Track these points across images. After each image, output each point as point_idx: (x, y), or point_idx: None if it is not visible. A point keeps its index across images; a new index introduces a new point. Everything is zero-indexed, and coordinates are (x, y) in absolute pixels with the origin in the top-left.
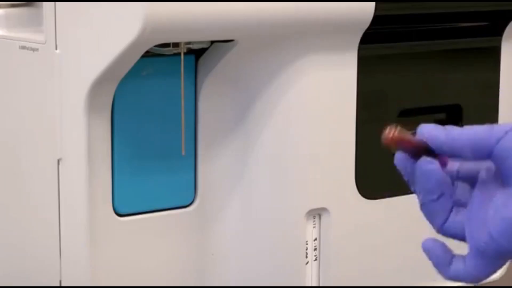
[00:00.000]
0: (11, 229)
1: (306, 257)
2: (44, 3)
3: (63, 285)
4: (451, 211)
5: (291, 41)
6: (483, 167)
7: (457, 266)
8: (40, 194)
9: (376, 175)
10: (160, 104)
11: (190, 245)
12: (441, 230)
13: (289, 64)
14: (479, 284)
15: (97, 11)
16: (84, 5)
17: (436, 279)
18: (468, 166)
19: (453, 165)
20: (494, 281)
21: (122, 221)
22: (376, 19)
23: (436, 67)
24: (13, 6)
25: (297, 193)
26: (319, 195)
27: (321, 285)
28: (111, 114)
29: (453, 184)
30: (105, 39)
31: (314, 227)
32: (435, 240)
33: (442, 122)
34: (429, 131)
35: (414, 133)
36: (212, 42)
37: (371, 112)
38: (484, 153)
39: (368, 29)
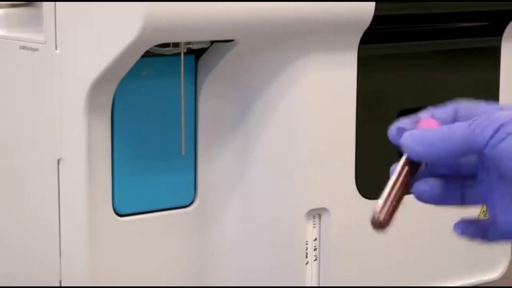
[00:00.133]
0: (11, 229)
1: (306, 257)
2: (44, 3)
3: (63, 285)
4: (463, 190)
5: (291, 41)
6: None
7: (493, 234)
8: (40, 194)
9: (376, 175)
10: (160, 104)
11: (190, 245)
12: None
13: (289, 64)
14: (479, 284)
15: (97, 11)
16: (84, 5)
17: (436, 279)
18: None
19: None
20: (494, 281)
21: (122, 221)
22: (376, 19)
23: (436, 67)
24: (13, 6)
25: (297, 193)
26: (319, 195)
27: (321, 285)
28: (111, 114)
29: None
30: (105, 39)
31: (314, 227)
32: (463, 221)
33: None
34: (412, 152)
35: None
36: (212, 42)
37: (371, 112)
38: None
39: (368, 29)
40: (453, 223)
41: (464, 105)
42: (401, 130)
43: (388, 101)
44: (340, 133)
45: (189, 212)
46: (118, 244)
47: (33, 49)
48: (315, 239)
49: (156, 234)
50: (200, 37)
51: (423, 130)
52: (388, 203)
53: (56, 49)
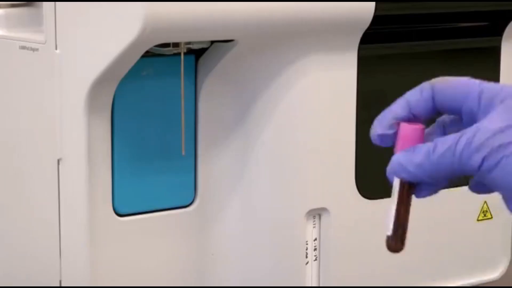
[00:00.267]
0: (11, 229)
1: (306, 257)
2: (44, 3)
3: (63, 285)
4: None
5: (291, 41)
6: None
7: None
8: (40, 194)
9: (376, 175)
10: (160, 104)
11: (190, 245)
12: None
13: (289, 64)
14: (479, 284)
15: (97, 11)
16: (84, 5)
17: (436, 279)
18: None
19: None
20: (494, 281)
21: (122, 221)
22: (376, 19)
23: (436, 67)
24: (13, 6)
25: (297, 193)
26: (319, 195)
27: (321, 285)
28: (111, 114)
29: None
30: (105, 39)
31: (314, 227)
32: (477, 184)
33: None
34: (404, 179)
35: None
36: (212, 42)
37: (371, 112)
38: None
39: (368, 29)
40: (469, 185)
41: (441, 89)
42: (384, 137)
43: (388, 101)
44: (340, 133)
45: (189, 212)
46: (118, 244)
47: (33, 49)
48: (315, 239)
49: (156, 234)
50: (200, 37)
51: (409, 154)
52: (398, 229)
53: (56, 49)
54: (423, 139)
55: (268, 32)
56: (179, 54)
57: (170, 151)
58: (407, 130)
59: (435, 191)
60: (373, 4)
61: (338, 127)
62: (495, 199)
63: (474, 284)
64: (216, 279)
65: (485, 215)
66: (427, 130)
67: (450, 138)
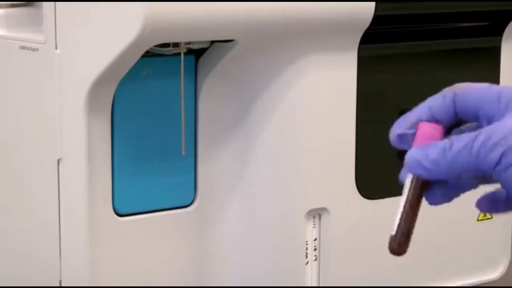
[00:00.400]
0: (11, 229)
1: (306, 257)
2: (44, 3)
3: (63, 285)
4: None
5: (291, 41)
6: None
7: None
8: (40, 194)
9: (376, 175)
10: (160, 104)
11: (190, 245)
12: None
13: (289, 64)
14: (479, 284)
15: (97, 11)
16: (84, 5)
17: (436, 279)
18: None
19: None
20: (494, 281)
21: (122, 221)
22: (376, 19)
23: (436, 67)
24: (13, 6)
25: (297, 193)
26: (319, 195)
27: (321, 285)
28: (111, 114)
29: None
30: (105, 39)
31: (314, 227)
32: (484, 197)
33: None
34: (419, 175)
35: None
36: (212, 42)
37: (371, 112)
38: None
39: (368, 29)
40: (475, 201)
41: (462, 94)
42: (403, 137)
43: (388, 101)
44: (340, 133)
45: (189, 212)
46: (118, 244)
47: (33, 49)
48: (315, 239)
49: (156, 234)
50: (200, 37)
51: (425, 150)
52: (403, 231)
53: (56, 49)
54: (441, 139)
55: (268, 32)
56: (179, 54)
57: (170, 151)
58: (426, 128)
59: (448, 198)
60: (373, 4)
61: (338, 127)
62: None
63: (474, 284)
64: (216, 279)
65: (485, 215)
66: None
67: (467, 136)
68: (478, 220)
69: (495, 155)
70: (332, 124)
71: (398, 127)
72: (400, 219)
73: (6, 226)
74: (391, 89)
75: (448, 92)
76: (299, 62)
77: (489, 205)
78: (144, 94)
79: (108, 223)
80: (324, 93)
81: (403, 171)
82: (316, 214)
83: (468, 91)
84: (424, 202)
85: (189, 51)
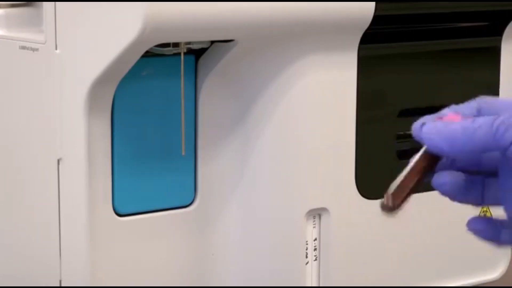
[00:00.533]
0: (11, 229)
1: (306, 257)
2: (44, 3)
3: (63, 285)
4: (483, 188)
5: (291, 41)
6: None
7: (506, 236)
8: (40, 194)
9: (376, 175)
10: (160, 104)
11: (190, 245)
12: (481, 204)
13: (289, 64)
14: (479, 284)
15: (97, 11)
16: (84, 5)
17: (435, 279)
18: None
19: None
20: (494, 281)
21: (122, 221)
22: (376, 19)
23: (436, 67)
24: (13, 6)
25: (297, 193)
26: (319, 195)
27: (321, 285)
28: (111, 114)
29: None
30: (105, 39)
31: (314, 227)
32: (480, 219)
33: None
34: (434, 146)
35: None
36: (212, 42)
37: (371, 112)
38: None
39: (368, 29)
40: (467, 220)
41: (487, 102)
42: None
43: (388, 101)
44: (340, 133)
45: (189, 212)
46: (118, 244)
47: (33, 49)
48: (315, 239)
49: (156, 234)
50: (200, 37)
51: (446, 123)
52: (401, 189)
53: (56, 49)
54: None
55: (268, 32)
56: (179, 54)
57: (170, 151)
58: (449, 116)
59: (453, 184)
60: (373, 4)
61: (338, 127)
62: None
63: (474, 284)
64: (216, 279)
65: (485, 215)
66: None
67: (488, 117)
68: None
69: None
70: (332, 124)
71: (423, 119)
72: (401, 181)
73: (6, 226)
74: (391, 89)
75: (473, 101)
76: (299, 62)
77: (478, 226)
78: (144, 94)
79: (108, 223)
80: (324, 93)
81: (422, 133)
82: (316, 214)
83: (493, 100)
84: (421, 200)
85: (189, 51)
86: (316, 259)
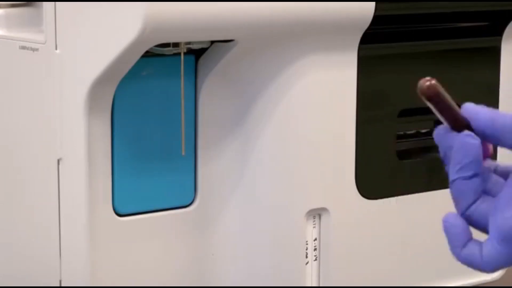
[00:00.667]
0: (11, 229)
1: (306, 257)
2: (44, 3)
3: (63, 285)
4: (479, 196)
5: (291, 41)
6: None
7: (471, 250)
8: (40, 194)
9: (376, 175)
10: (160, 104)
11: (190, 245)
12: (465, 213)
13: (289, 64)
14: (479, 284)
15: (97, 11)
16: (84, 5)
17: (435, 279)
18: (507, 165)
19: (491, 164)
20: (494, 281)
21: (122, 221)
22: (376, 19)
23: (436, 67)
24: (13, 6)
25: (297, 193)
26: (319, 195)
27: (321, 285)
28: (111, 114)
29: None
30: (105, 39)
31: (314, 227)
32: (457, 217)
33: (442, 123)
34: (475, 111)
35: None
36: (212, 42)
37: (371, 112)
38: None
39: (368, 29)
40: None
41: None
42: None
43: (388, 101)
44: (340, 133)
45: (189, 212)
46: (118, 244)
47: (33, 49)
48: (315, 239)
49: (156, 234)
50: (200, 37)
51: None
52: (443, 96)
53: (56, 49)
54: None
55: (268, 32)
56: (179, 54)
57: (170, 151)
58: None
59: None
60: (373, 4)
61: (338, 127)
62: None
63: (474, 284)
64: (216, 279)
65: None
66: None
67: None
68: None
69: None
70: (332, 124)
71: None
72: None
73: (6, 226)
74: (391, 89)
75: None
76: (299, 62)
77: (453, 223)
78: (144, 94)
79: (108, 223)
80: (324, 93)
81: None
82: (316, 214)
83: None
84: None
85: (189, 51)
86: (316, 259)
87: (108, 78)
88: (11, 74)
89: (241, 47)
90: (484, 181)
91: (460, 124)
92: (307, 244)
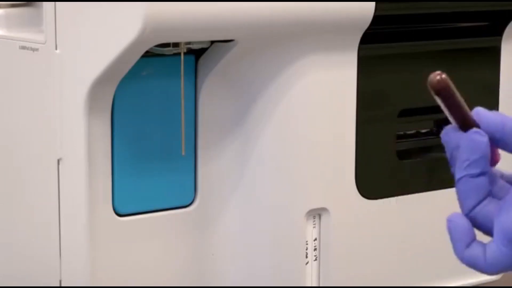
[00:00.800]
0: (11, 229)
1: (306, 257)
2: (44, 3)
3: (63, 285)
4: (486, 197)
5: (291, 41)
6: None
7: (474, 252)
8: (40, 194)
9: (376, 175)
10: (160, 104)
11: (190, 245)
12: (470, 214)
13: (289, 64)
14: (479, 284)
15: (97, 11)
16: (84, 5)
17: (435, 279)
18: None
19: (497, 171)
20: (494, 281)
21: (122, 221)
22: (376, 19)
23: (436, 67)
24: (13, 6)
25: (297, 193)
26: (319, 195)
27: (321, 285)
28: (111, 114)
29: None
30: (105, 39)
31: (314, 227)
32: (462, 217)
33: (442, 122)
34: (486, 115)
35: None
36: (212, 42)
37: (371, 112)
38: None
39: (368, 29)
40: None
41: None
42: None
43: (388, 101)
44: (340, 133)
45: (189, 212)
46: (118, 244)
47: (33, 49)
48: (315, 239)
49: (156, 234)
50: (200, 37)
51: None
52: (452, 92)
53: (56, 49)
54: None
55: (268, 32)
56: (179, 54)
57: (170, 151)
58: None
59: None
60: (373, 4)
61: (338, 127)
62: None
63: (474, 284)
64: (216, 279)
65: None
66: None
67: None
68: None
69: None
70: (332, 124)
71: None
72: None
73: (6, 226)
74: (391, 89)
75: None
76: (299, 62)
77: (457, 223)
78: (144, 94)
79: (108, 223)
80: (324, 93)
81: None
82: (316, 214)
83: None
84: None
85: (189, 51)
86: (316, 259)
87: (108, 78)
88: (11, 74)
89: (241, 47)
90: (491, 183)
91: (468, 124)
92: (307, 244)
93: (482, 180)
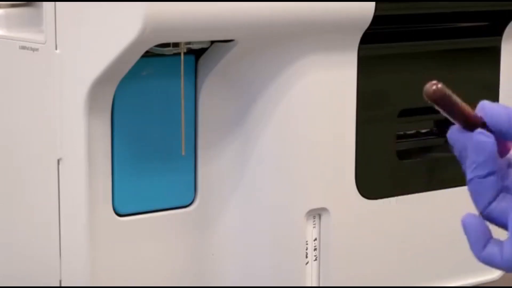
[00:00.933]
0: (11, 229)
1: (306, 257)
2: (44, 3)
3: (63, 285)
4: (498, 194)
5: (291, 41)
6: None
7: (492, 250)
8: (40, 194)
9: (376, 175)
10: (160, 104)
11: (190, 245)
12: (484, 212)
13: (289, 64)
14: (479, 284)
15: (97, 11)
16: (84, 5)
17: (435, 279)
18: None
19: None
20: (494, 281)
21: (122, 221)
22: (376, 19)
23: (436, 67)
24: (13, 6)
25: (297, 193)
26: (319, 195)
27: (321, 285)
28: (111, 114)
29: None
30: (105, 39)
31: (314, 227)
32: (476, 217)
33: (442, 122)
34: (491, 108)
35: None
36: (212, 42)
37: (371, 112)
38: None
39: (368, 29)
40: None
41: None
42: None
43: (388, 101)
44: (340, 133)
45: (189, 212)
46: (118, 244)
47: (33, 49)
48: (315, 239)
49: (156, 234)
50: (200, 37)
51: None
52: (451, 98)
53: (56, 49)
54: None
55: (268, 32)
56: (179, 54)
57: (170, 151)
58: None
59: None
60: (373, 4)
61: (338, 127)
62: None
63: (474, 284)
64: (216, 279)
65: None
66: None
67: None
68: None
69: None
70: (332, 124)
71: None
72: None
73: (6, 226)
74: (391, 89)
75: None
76: (299, 62)
77: (472, 223)
78: (144, 94)
79: (108, 223)
80: (324, 93)
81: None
82: (316, 214)
83: None
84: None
85: (189, 51)
86: (316, 259)
87: (108, 78)
88: (11, 74)
89: (241, 47)
90: (502, 179)
91: (472, 123)
92: (307, 244)
93: (491, 179)
